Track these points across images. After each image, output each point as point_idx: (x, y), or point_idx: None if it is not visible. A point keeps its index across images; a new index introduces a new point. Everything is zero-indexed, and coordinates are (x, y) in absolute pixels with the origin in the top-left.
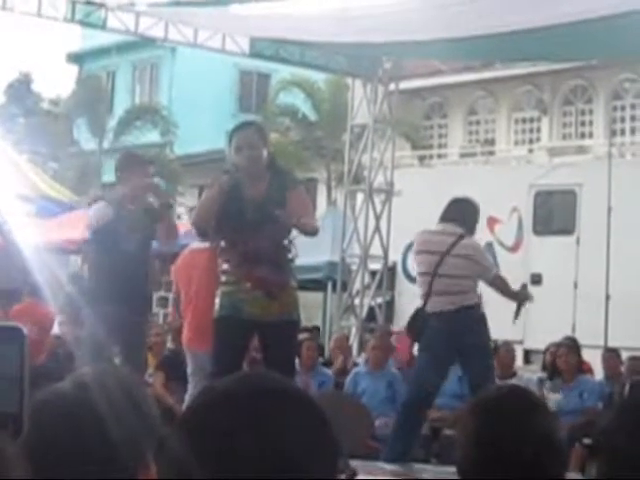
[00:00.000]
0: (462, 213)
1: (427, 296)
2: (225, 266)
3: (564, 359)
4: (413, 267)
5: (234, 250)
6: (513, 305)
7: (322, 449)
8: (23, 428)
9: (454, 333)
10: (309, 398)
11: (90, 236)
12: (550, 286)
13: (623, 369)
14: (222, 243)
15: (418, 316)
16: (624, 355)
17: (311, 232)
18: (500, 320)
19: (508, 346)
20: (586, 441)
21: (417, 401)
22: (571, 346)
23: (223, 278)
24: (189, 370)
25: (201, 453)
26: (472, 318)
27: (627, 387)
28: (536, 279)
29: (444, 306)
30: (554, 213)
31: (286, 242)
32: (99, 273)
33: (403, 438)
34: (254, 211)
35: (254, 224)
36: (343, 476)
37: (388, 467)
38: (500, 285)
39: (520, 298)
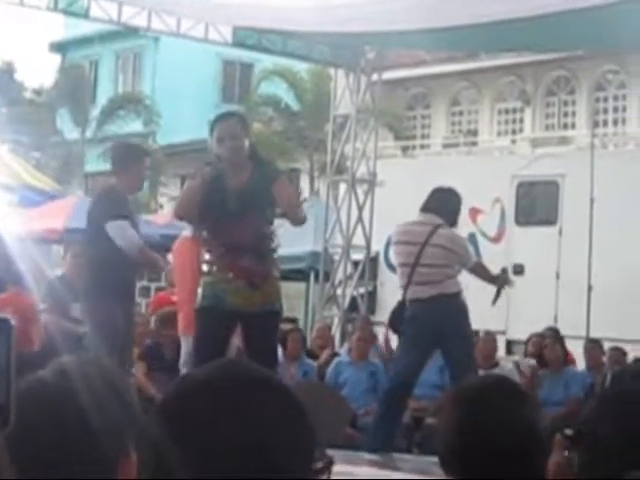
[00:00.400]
0: (442, 203)
1: (407, 286)
2: (207, 256)
3: (550, 349)
4: (393, 259)
5: (216, 241)
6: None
7: (299, 438)
8: (10, 418)
9: (433, 320)
10: (286, 387)
11: (93, 231)
12: (532, 277)
13: (605, 360)
14: (204, 233)
15: (399, 309)
16: (606, 346)
17: (300, 221)
18: (482, 310)
19: (489, 336)
20: (567, 431)
21: (397, 390)
22: (556, 337)
23: (205, 268)
24: (182, 358)
25: (179, 440)
26: (452, 306)
27: (608, 377)
28: (518, 269)
29: (423, 294)
30: (536, 204)
31: (268, 232)
32: (104, 268)
33: (384, 427)
34: (236, 201)
35: (236, 214)
36: (320, 465)
37: (369, 457)
38: (480, 271)
39: (500, 282)
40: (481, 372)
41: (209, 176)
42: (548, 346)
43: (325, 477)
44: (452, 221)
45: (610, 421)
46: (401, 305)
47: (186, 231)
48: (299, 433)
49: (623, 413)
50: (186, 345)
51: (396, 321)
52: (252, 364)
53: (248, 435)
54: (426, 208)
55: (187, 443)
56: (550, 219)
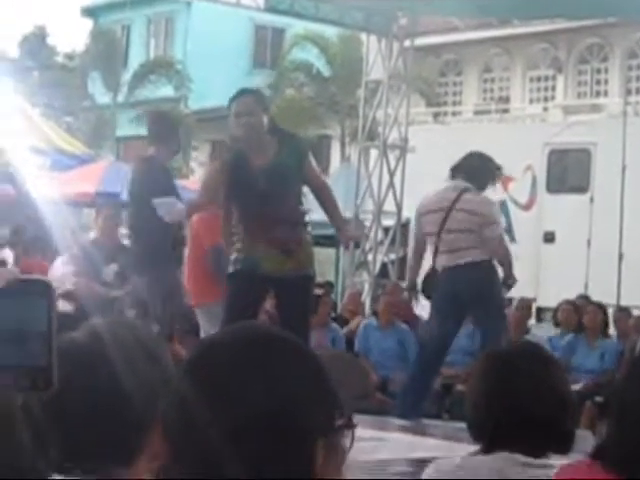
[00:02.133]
0: (471, 167)
1: (435, 254)
2: (239, 231)
3: (591, 317)
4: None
5: (248, 217)
6: (529, 264)
7: (320, 397)
8: (53, 381)
9: (461, 288)
10: (305, 348)
11: (136, 203)
12: (563, 244)
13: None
14: (234, 209)
15: (430, 276)
16: (635, 313)
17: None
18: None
19: (524, 303)
20: (598, 399)
21: (427, 358)
22: (599, 306)
23: (237, 243)
24: (202, 331)
25: (202, 400)
26: (480, 273)
27: (639, 345)
28: (549, 237)
29: (451, 262)
30: (568, 171)
31: (300, 204)
32: (153, 238)
33: (413, 394)
34: (265, 181)
35: (267, 194)
36: (341, 424)
37: (399, 422)
38: (500, 250)
39: (509, 279)
40: (512, 338)
41: (229, 158)
42: (590, 314)
43: (347, 439)
44: (482, 185)
45: (637, 387)
46: (432, 272)
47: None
48: (319, 392)
49: None
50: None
51: (428, 288)
52: (267, 324)
53: (268, 393)
54: (455, 173)
55: (210, 403)
56: (582, 187)
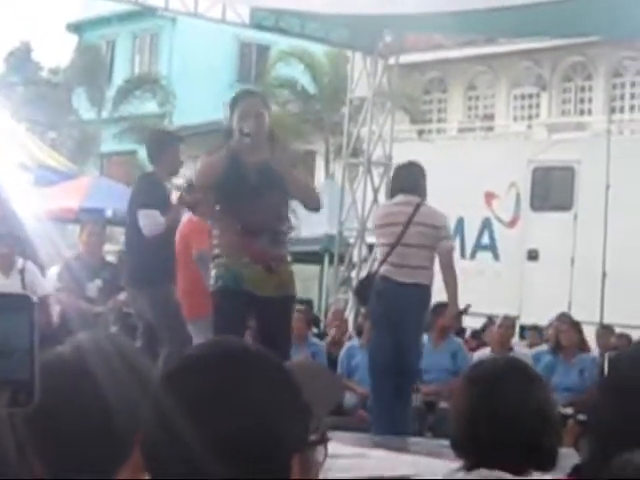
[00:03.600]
0: (415, 180)
1: (381, 263)
2: (219, 237)
3: (566, 335)
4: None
5: (233, 219)
6: (512, 278)
7: (293, 410)
8: (34, 396)
9: (398, 305)
10: (277, 361)
11: (132, 218)
12: (547, 262)
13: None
14: (218, 211)
15: (367, 281)
16: (618, 331)
17: (316, 207)
18: (496, 294)
19: (507, 321)
20: (580, 417)
21: (380, 368)
22: (573, 323)
23: (220, 250)
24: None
25: (177, 415)
26: (420, 298)
27: (606, 363)
28: (533, 255)
29: (397, 276)
30: (552, 189)
31: (286, 214)
32: (149, 253)
33: (384, 409)
34: (257, 177)
35: (256, 190)
36: (315, 438)
37: (380, 439)
38: (449, 265)
39: (453, 305)
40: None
41: (232, 149)
42: (564, 332)
43: (322, 451)
44: (425, 195)
45: (611, 407)
46: (370, 278)
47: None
48: (293, 408)
49: (622, 399)
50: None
51: (363, 292)
52: (241, 340)
53: (242, 409)
54: (402, 189)
55: (186, 419)
56: (565, 204)
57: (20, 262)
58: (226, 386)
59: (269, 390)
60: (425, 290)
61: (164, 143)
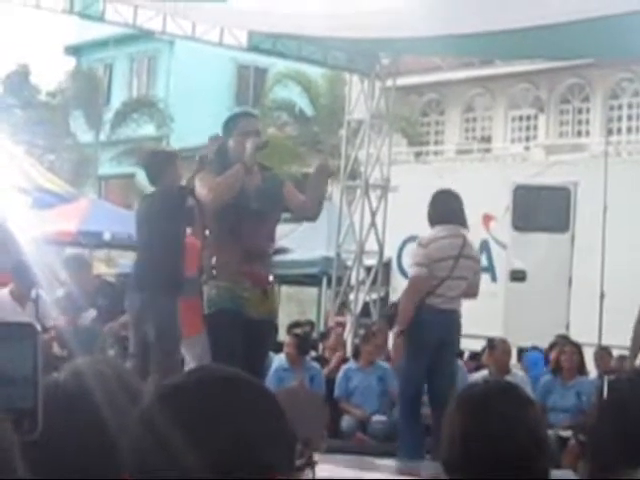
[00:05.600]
0: (459, 211)
1: (427, 296)
2: (221, 259)
3: (568, 358)
4: (422, 276)
5: (236, 243)
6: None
7: (278, 434)
8: (38, 424)
9: (442, 332)
10: (260, 386)
11: (144, 232)
12: (544, 284)
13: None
14: (220, 235)
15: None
16: (616, 353)
17: (314, 216)
18: (494, 316)
19: (505, 345)
20: (581, 437)
21: (414, 396)
22: (575, 345)
23: (218, 271)
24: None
25: (161, 442)
26: (458, 322)
27: (605, 386)
28: (522, 275)
29: (443, 305)
30: (546, 210)
31: (274, 234)
32: (159, 267)
33: (411, 433)
34: (257, 200)
35: (258, 214)
36: (302, 462)
37: (379, 462)
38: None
39: None
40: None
41: (245, 168)
42: (566, 354)
43: (309, 475)
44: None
45: (610, 429)
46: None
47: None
48: (276, 430)
49: (621, 421)
50: (188, 349)
51: (393, 317)
52: (222, 366)
53: (227, 434)
54: (448, 219)
55: (170, 445)
56: (561, 225)
57: (33, 292)
58: (208, 413)
59: (252, 416)
60: (459, 315)
61: (161, 163)
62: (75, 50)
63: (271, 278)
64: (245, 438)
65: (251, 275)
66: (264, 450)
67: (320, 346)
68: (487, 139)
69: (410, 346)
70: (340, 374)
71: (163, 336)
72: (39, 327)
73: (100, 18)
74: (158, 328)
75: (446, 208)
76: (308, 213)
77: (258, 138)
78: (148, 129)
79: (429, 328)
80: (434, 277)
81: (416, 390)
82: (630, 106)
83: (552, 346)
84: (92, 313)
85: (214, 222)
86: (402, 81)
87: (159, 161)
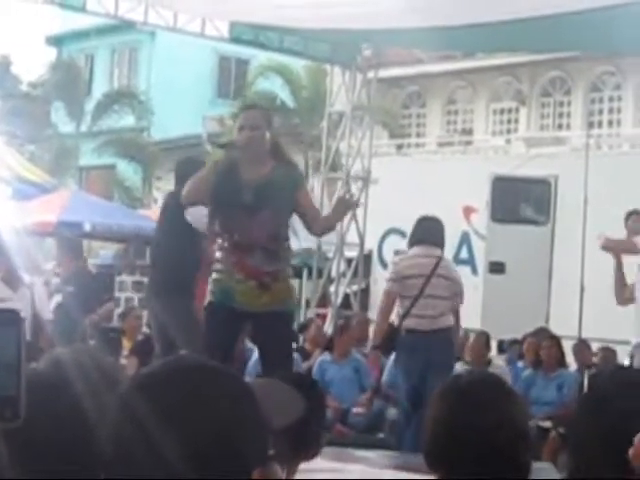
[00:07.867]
0: (437, 234)
1: (404, 316)
2: (217, 254)
3: (547, 351)
4: (393, 291)
5: (227, 235)
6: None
7: (252, 424)
8: (21, 411)
9: (428, 352)
10: (235, 376)
11: (165, 230)
12: (524, 276)
13: (595, 360)
14: (216, 227)
15: (391, 335)
16: (595, 347)
17: (317, 235)
18: (474, 308)
19: (481, 337)
20: (561, 430)
21: (409, 413)
22: (554, 338)
23: (216, 266)
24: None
25: (139, 430)
26: (446, 340)
27: (586, 379)
28: (500, 267)
29: (422, 326)
30: (529, 203)
31: (283, 233)
32: (177, 267)
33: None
34: (252, 194)
35: (251, 208)
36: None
37: (359, 454)
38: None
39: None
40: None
41: (221, 165)
42: (546, 348)
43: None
44: (444, 248)
45: (591, 424)
46: (394, 332)
47: None
48: (251, 420)
49: (602, 416)
50: None
51: (388, 346)
52: (196, 355)
53: (202, 424)
54: (423, 240)
55: (147, 434)
56: (541, 218)
57: (27, 277)
58: (183, 403)
59: (227, 405)
60: (448, 332)
61: (194, 171)
62: (56, 41)
63: (278, 271)
64: (219, 428)
65: (242, 267)
66: (238, 439)
67: (300, 338)
68: (468, 132)
69: (398, 368)
70: (315, 367)
71: (186, 340)
72: (28, 313)
73: (82, 9)
74: (178, 331)
75: (424, 230)
76: (314, 230)
77: (253, 131)
78: (129, 120)
79: (410, 352)
80: (405, 296)
81: (409, 409)
82: (611, 99)
83: (525, 338)
84: (57, 298)
85: (209, 216)
86: (384, 73)
87: (190, 170)
